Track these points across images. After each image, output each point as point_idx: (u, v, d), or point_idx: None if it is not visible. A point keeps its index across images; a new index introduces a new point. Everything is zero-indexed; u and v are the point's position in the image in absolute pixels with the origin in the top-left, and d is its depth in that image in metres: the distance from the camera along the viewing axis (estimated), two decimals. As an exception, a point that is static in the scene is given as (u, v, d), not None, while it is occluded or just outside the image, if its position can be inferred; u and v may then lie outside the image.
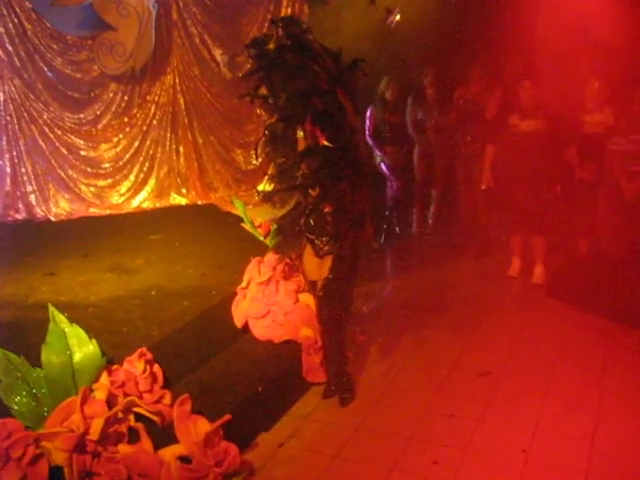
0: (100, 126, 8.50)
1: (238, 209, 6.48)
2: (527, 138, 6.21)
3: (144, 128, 8.67)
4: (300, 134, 4.35)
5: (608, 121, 6.09)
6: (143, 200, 8.71)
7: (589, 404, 4.45)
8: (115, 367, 4.07)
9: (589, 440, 4.05)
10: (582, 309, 5.91)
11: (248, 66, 8.25)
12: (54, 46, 8.14)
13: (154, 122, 8.69)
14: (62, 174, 8.40)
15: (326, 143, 4.24)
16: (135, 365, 4.09)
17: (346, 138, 4.36)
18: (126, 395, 3.89)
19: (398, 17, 7.79)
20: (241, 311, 5.18)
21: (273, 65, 4.25)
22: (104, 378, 3.94)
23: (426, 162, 7.98)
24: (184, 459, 3.68)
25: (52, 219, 8.23)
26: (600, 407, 4.41)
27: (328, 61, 4.28)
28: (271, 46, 4.26)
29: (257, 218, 6.47)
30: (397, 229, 8.24)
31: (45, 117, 8.27)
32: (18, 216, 8.23)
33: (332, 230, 4.42)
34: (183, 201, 8.80)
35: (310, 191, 4.40)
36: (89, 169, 8.54)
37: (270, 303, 5.12)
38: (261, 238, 6.09)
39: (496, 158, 6.63)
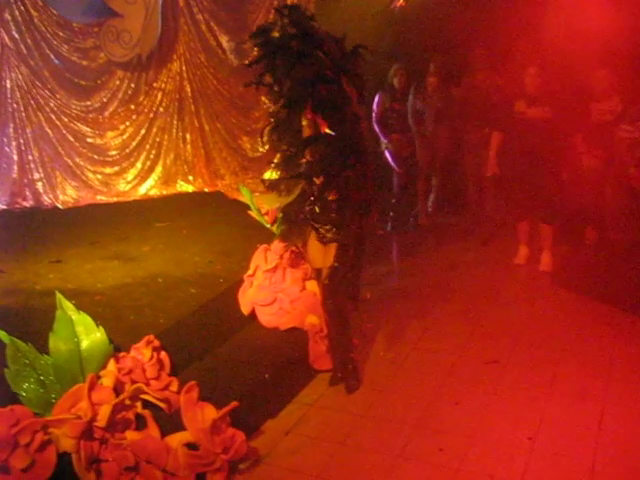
0: (107, 113, 8.49)
1: (245, 196, 6.47)
2: (533, 125, 6.17)
3: (151, 115, 8.66)
4: (305, 122, 4.33)
5: (616, 109, 6.06)
6: (150, 188, 8.71)
7: (596, 393, 4.45)
8: (122, 354, 4.09)
9: (595, 429, 4.06)
10: (589, 297, 5.90)
11: (254, 53, 8.32)
12: (60, 33, 8.13)
13: (161, 109, 8.68)
14: (69, 161, 8.42)
15: (328, 131, 4.21)
16: (142, 352, 4.11)
17: (349, 126, 4.33)
18: (133, 382, 3.90)
19: (402, 1, 7.75)
20: (248, 298, 5.19)
21: (277, 52, 4.22)
22: (111, 365, 3.95)
23: (428, 152, 7.95)
24: (191, 446, 3.69)
25: (59, 206, 8.25)
26: (607, 396, 4.41)
27: (333, 48, 4.25)
28: (276, 34, 4.23)
29: (264, 205, 6.46)
30: (409, 218, 8.23)
31: (52, 104, 8.27)
32: (25, 203, 8.26)
33: (336, 218, 4.42)
34: (190, 188, 8.81)
35: (315, 179, 4.39)
36: (96, 156, 8.55)
37: (276, 290, 5.13)
38: (268, 225, 6.08)
39: (502, 145, 6.60)
